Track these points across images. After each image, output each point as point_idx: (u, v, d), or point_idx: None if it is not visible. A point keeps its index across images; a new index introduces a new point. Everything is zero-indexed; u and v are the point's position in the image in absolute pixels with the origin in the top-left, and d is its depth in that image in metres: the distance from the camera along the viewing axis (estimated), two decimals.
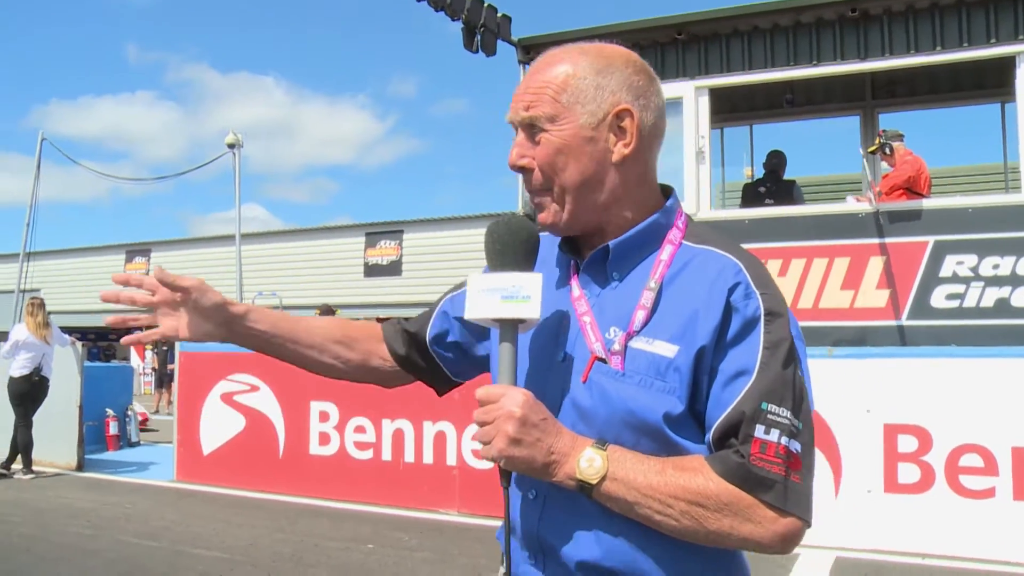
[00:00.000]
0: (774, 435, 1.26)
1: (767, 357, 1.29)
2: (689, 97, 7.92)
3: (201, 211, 78.01)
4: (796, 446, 1.27)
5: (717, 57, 8.19)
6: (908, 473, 5.95)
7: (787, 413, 1.27)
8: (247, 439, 8.57)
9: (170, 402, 15.73)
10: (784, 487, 1.25)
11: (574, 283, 1.45)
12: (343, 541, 6.49)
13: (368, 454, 7.80)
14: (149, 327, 1.61)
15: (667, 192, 1.50)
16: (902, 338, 7.12)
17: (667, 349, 1.32)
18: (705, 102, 7.94)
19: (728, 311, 1.31)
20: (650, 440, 1.32)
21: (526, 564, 1.45)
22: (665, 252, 1.40)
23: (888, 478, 5.99)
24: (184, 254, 30.02)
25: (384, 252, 24.85)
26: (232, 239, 23.32)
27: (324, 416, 8.05)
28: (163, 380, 17.33)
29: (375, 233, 25.55)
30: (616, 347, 1.35)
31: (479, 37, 8.69)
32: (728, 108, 9.66)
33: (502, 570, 1.53)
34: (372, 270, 25.13)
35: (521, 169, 1.43)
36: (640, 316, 1.35)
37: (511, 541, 1.47)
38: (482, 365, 1.70)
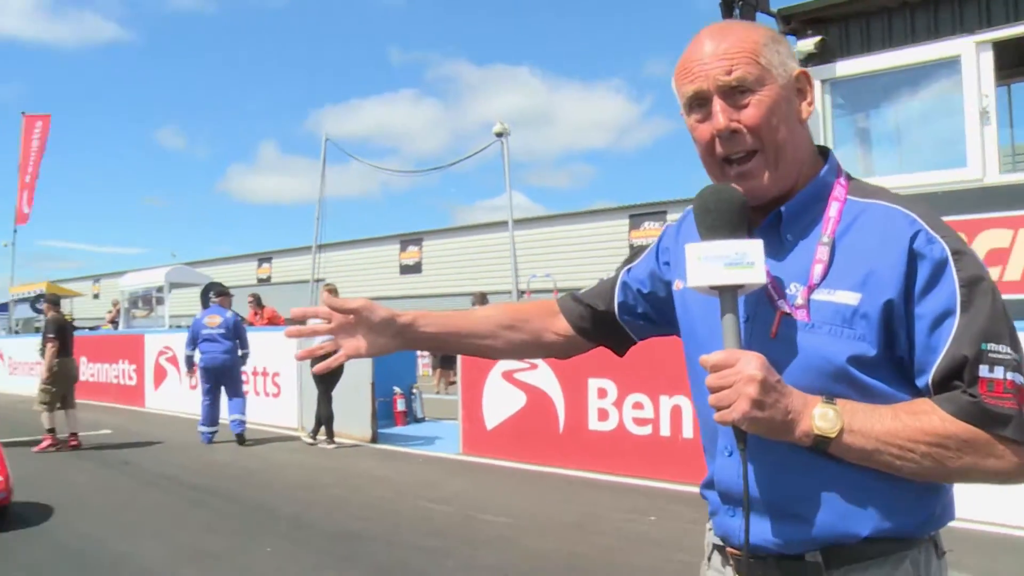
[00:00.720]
0: (999, 372, 1.30)
1: (967, 295, 1.32)
2: (969, 54, 7.21)
3: (465, 200, 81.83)
4: (1021, 379, 1.31)
5: (1001, 6, 7.46)
6: None
7: (1006, 348, 1.31)
8: (528, 415, 8.93)
9: (452, 382, 16.64)
10: (1019, 420, 1.29)
11: None
12: (625, 512, 6.63)
13: (647, 430, 7.87)
14: (333, 352, 1.71)
15: (823, 152, 1.55)
16: None
17: (850, 297, 1.37)
18: (988, 58, 7.19)
19: (913, 259, 1.35)
20: (844, 385, 1.37)
21: (726, 517, 1.53)
22: (832, 209, 1.46)
23: None
24: (454, 241, 31.65)
25: (649, 233, 24.85)
26: (498, 225, 24.25)
27: (602, 393, 8.22)
28: (443, 361, 18.30)
29: (639, 215, 25.65)
30: (799, 301, 1.41)
31: (738, 11, 8.61)
32: (1015, 62, 8.77)
33: (708, 525, 1.64)
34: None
35: (732, 133, 1.45)
36: (818, 270, 1.41)
37: (712, 495, 1.57)
38: (661, 330, 1.78)
